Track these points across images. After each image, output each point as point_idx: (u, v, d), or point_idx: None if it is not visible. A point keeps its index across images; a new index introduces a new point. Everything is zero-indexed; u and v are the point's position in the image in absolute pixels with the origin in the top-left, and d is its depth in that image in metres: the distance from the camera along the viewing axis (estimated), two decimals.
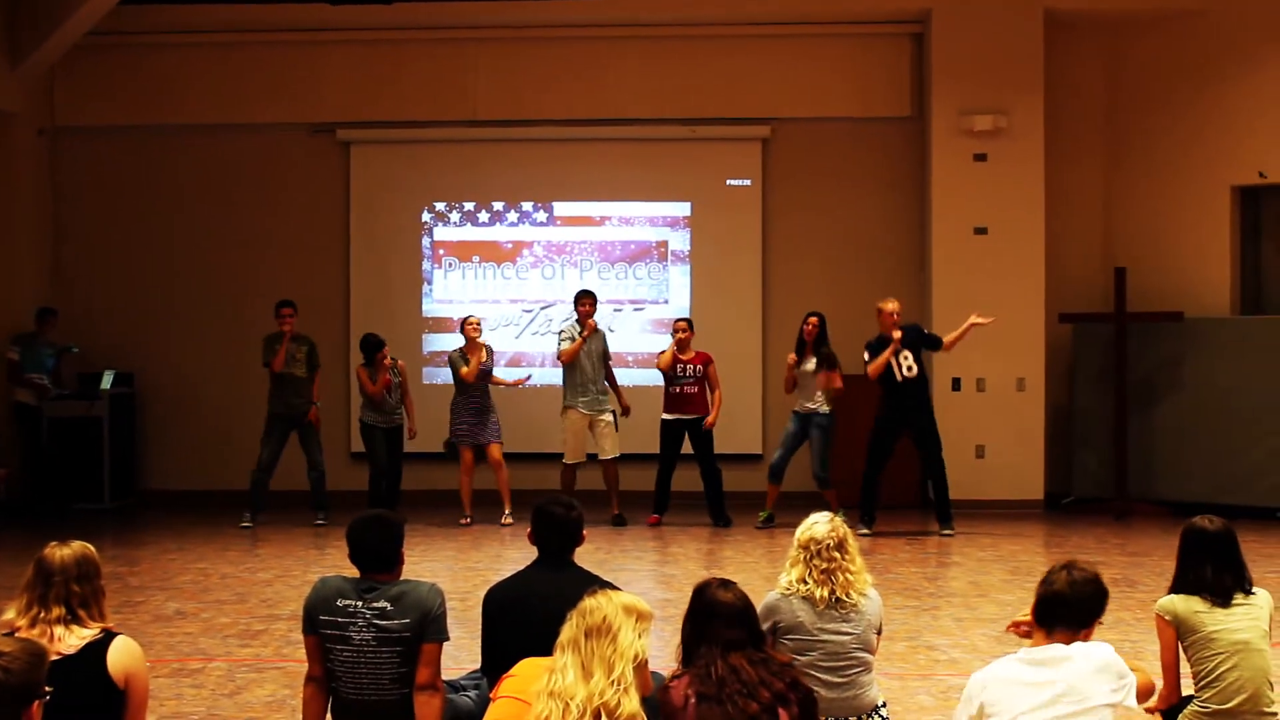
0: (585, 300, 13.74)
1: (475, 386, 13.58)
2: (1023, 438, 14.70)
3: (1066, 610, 4.76)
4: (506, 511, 13.51)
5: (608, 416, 13.63)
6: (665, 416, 13.52)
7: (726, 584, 4.72)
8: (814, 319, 13.30)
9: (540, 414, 14.69)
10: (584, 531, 5.93)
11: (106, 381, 14.97)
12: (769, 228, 15.57)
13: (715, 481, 13.51)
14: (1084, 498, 14.71)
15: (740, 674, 4.43)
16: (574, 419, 13.60)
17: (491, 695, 4.74)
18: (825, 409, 13.21)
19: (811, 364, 13.17)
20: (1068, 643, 4.70)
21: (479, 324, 13.85)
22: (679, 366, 13.44)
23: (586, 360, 13.58)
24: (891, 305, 12.97)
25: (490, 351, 13.86)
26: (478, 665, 6.01)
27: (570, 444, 13.65)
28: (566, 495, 6.15)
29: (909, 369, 12.84)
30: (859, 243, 15.46)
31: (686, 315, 14.26)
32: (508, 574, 6.07)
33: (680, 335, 13.50)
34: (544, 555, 5.86)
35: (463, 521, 13.46)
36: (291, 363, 13.61)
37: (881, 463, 12.99)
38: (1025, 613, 5.03)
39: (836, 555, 5.74)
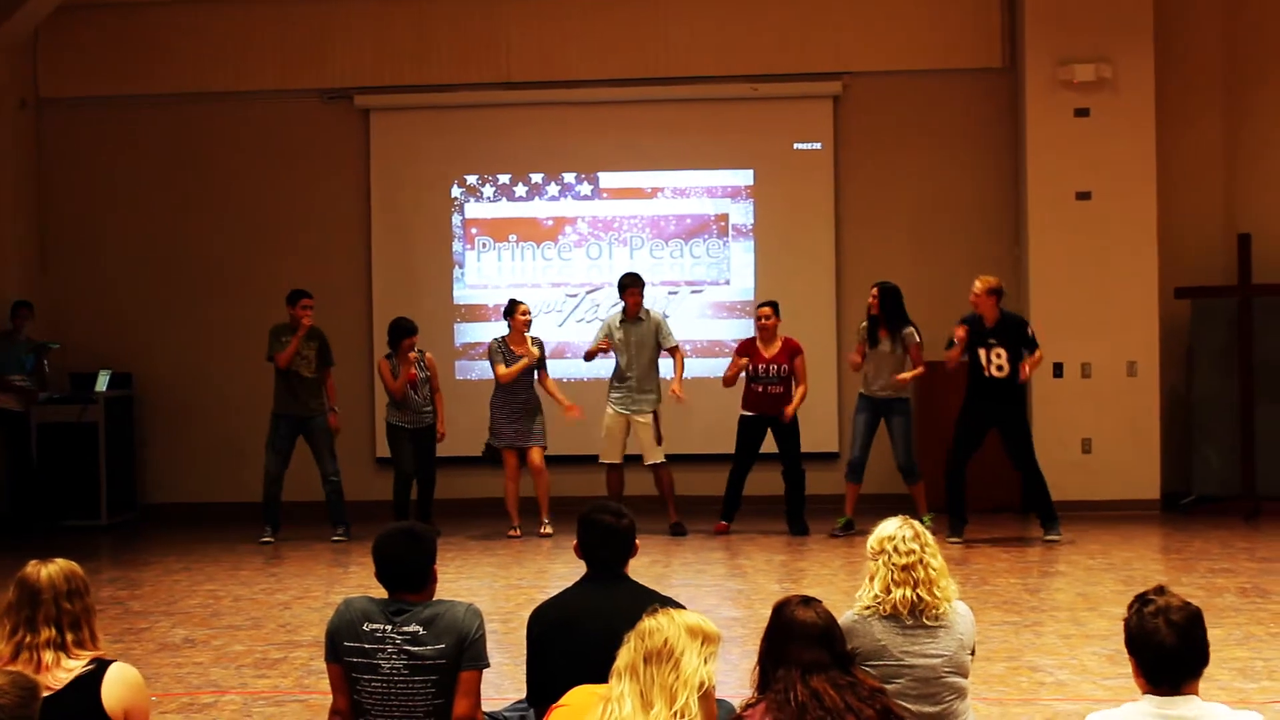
0: (632, 290, 13.66)
1: (520, 382, 13.58)
2: (1135, 430, 14.58)
3: (1180, 664, 4.59)
4: (545, 521, 13.52)
5: (646, 418, 13.59)
6: (744, 413, 13.47)
7: (808, 601, 4.69)
8: (875, 290, 13.19)
9: (590, 412, 14.58)
10: (637, 541, 5.90)
11: (102, 383, 15.06)
12: (842, 196, 15.51)
13: (798, 485, 13.47)
14: (1206, 496, 14.58)
15: (823, 700, 4.40)
16: (609, 416, 13.66)
17: None
18: (903, 394, 13.20)
19: (886, 344, 13.07)
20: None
21: (529, 313, 13.79)
22: (759, 367, 13.36)
23: (622, 353, 13.58)
24: (977, 285, 12.79)
25: (542, 347, 13.81)
26: (522, 695, 5.99)
27: (602, 442, 13.75)
28: (614, 501, 6.11)
29: (999, 367, 12.67)
30: (944, 212, 15.37)
31: (767, 300, 13.94)
32: (554, 591, 6.05)
33: (765, 323, 13.45)
34: (593, 569, 5.84)
35: (510, 534, 13.44)
36: (298, 360, 13.54)
37: (966, 457, 12.85)
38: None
39: (915, 548, 5.69)
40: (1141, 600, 4.55)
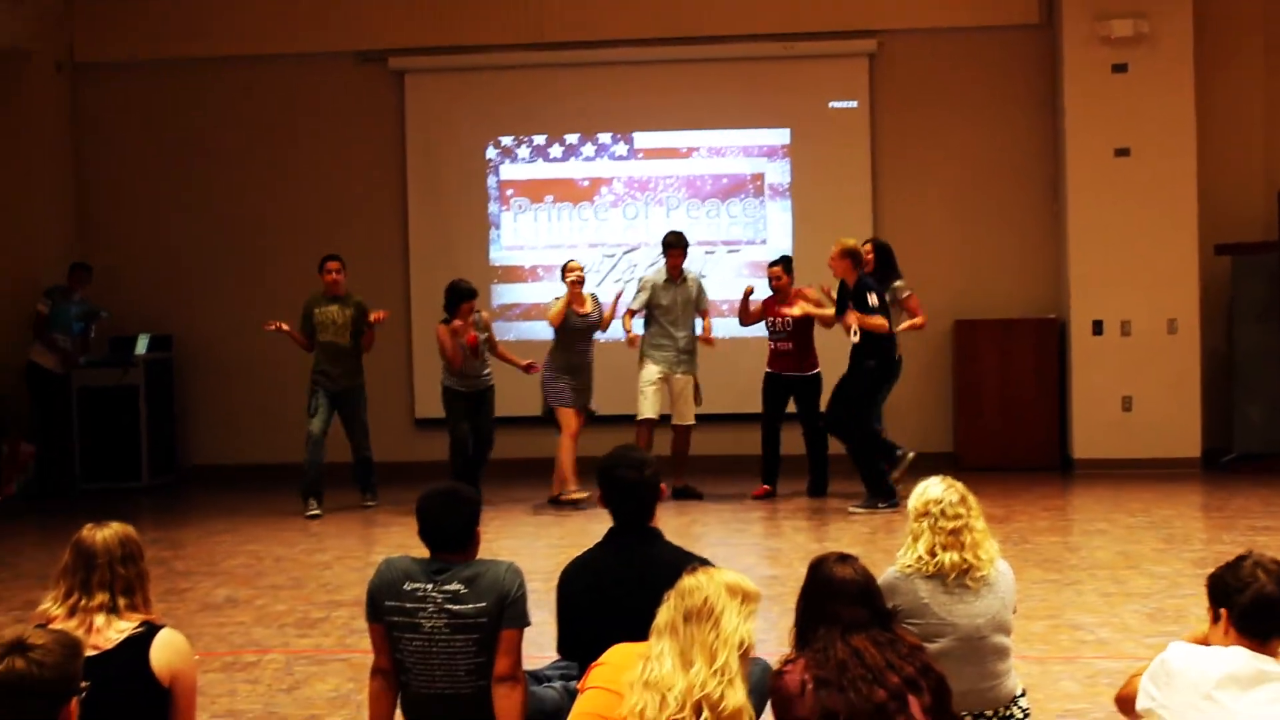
0: (677, 251, 13.43)
1: (581, 341, 13.20)
2: (1175, 387, 14.51)
3: (1269, 618, 4.55)
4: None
5: (688, 378, 13.43)
6: (766, 370, 13.46)
7: (845, 558, 4.69)
8: (868, 246, 13.06)
9: (628, 373, 14.48)
10: (663, 486, 5.87)
11: (141, 346, 15.15)
12: (879, 155, 15.44)
13: (814, 445, 13.32)
14: (1247, 454, 14.49)
15: (864, 657, 4.40)
16: (651, 371, 13.35)
17: (579, 686, 4.74)
18: (894, 356, 12.86)
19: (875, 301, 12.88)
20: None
21: (581, 269, 13.38)
22: (769, 321, 13.33)
23: (667, 313, 13.38)
24: (832, 249, 12.63)
25: (597, 301, 13.45)
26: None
27: (643, 397, 13.34)
28: (637, 454, 6.02)
29: (855, 332, 12.51)
30: (981, 170, 15.29)
31: (782, 254, 13.99)
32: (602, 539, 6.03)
33: (777, 284, 13.40)
34: (619, 524, 5.81)
35: (574, 495, 12.96)
36: (334, 329, 13.22)
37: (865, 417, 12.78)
38: (1198, 630, 4.84)
39: (961, 512, 5.68)
40: (1239, 557, 4.61)
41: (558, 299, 13.23)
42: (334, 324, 13.24)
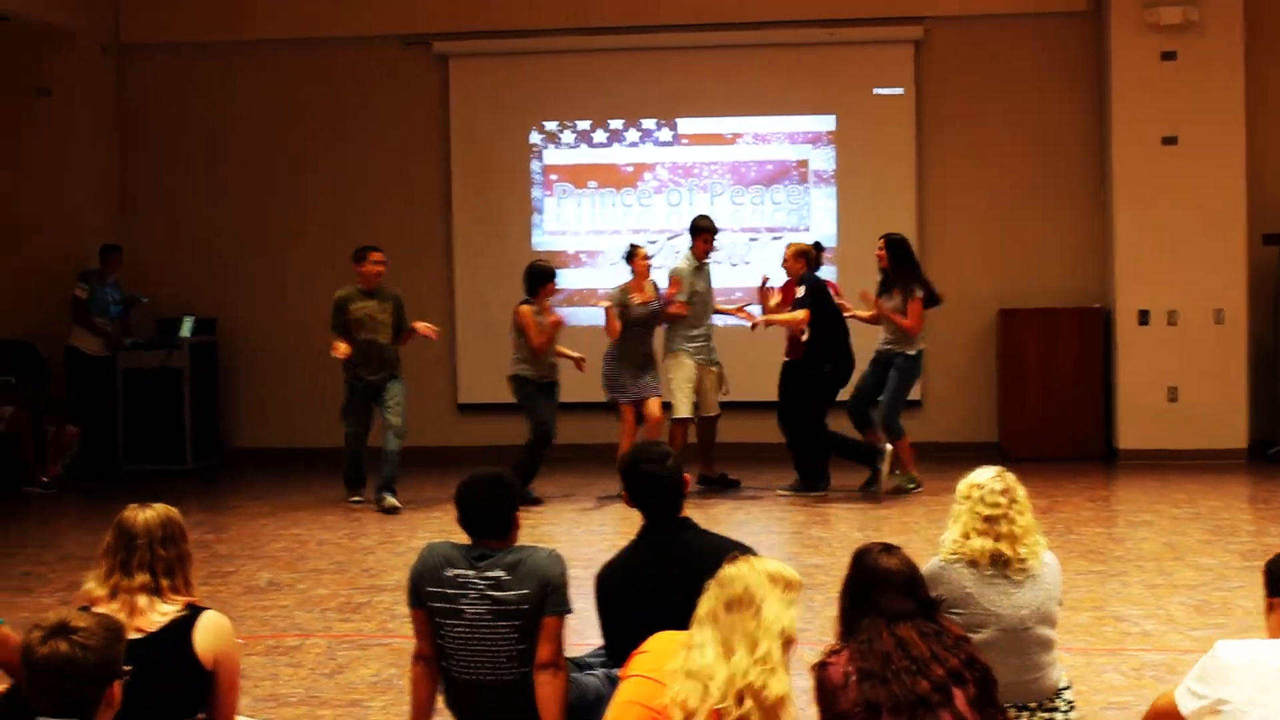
0: (708, 235, 13.16)
1: (640, 334, 12.87)
2: (1222, 378, 14.42)
3: None
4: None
5: (716, 368, 13.23)
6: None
7: (890, 549, 4.66)
8: (881, 243, 12.96)
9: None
10: (686, 476, 5.86)
11: (186, 328, 15.20)
12: (924, 142, 15.37)
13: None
14: None
15: (909, 648, 4.37)
16: (687, 368, 13.01)
17: (621, 674, 4.73)
18: (909, 350, 12.72)
19: (897, 298, 12.74)
20: None
21: (649, 257, 13.09)
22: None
23: (699, 302, 13.12)
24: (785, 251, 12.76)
25: (658, 289, 13.11)
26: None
27: (683, 393, 13.00)
28: (657, 447, 6.00)
29: (803, 331, 12.54)
30: (1027, 158, 15.21)
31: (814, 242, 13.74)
32: (633, 536, 6.02)
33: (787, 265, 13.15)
34: (649, 519, 5.78)
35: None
36: (373, 325, 12.47)
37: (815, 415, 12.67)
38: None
39: (1002, 501, 5.64)
40: None
41: (620, 288, 12.94)
42: (373, 320, 12.46)
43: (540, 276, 12.73)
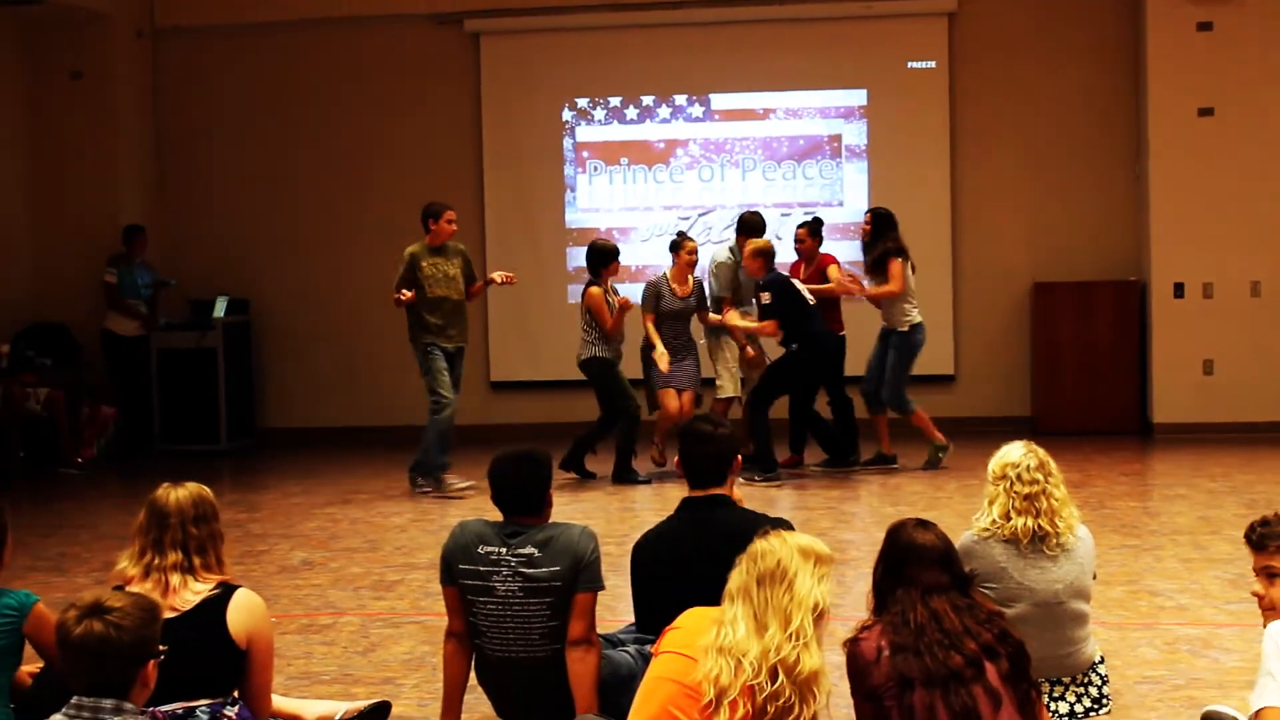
0: (743, 239, 12.89)
1: (676, 322, 12.68)
2: (1259, 350, 14.34)
3: None
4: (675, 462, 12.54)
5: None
6: None
7: (925, 524, 4.66)
8: (867, 217, 12.90)
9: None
10: (738, 457, 5.87)
11: (220, 309, 15.24)
12: (957, 116, 15.30)
13: (844, 410, 12.86)
14: None
15: (942, 621, 4.37)
16: (733, 349, 12.87)
17: (653, 650, 4.73)
18: (900, 326, 12.57)
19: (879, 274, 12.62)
20: None
21: (696, 251, 12.81)
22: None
23: (739, 289, 12.95)
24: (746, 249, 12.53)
25: (699, 285, 12.89)
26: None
27: (733, 374, 12.91)
28: (717, 418, 6.07)
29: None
30: (1062, 130, 15.11)
31: (813, 216, 13.63)
32: (667, 514, 6.04)
33: (799, 246, 13.02)
34: (693, 487, 5.80)
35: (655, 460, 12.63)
36: (445, 283, 12.11)
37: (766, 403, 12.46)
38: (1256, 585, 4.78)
39: (1039, 478, 5.65)
40: None
41: (660, 278, 12.78)
42: (446, 276, 12.11)
43: (604, 256, 12.53)
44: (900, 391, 12.65)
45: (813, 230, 13.06)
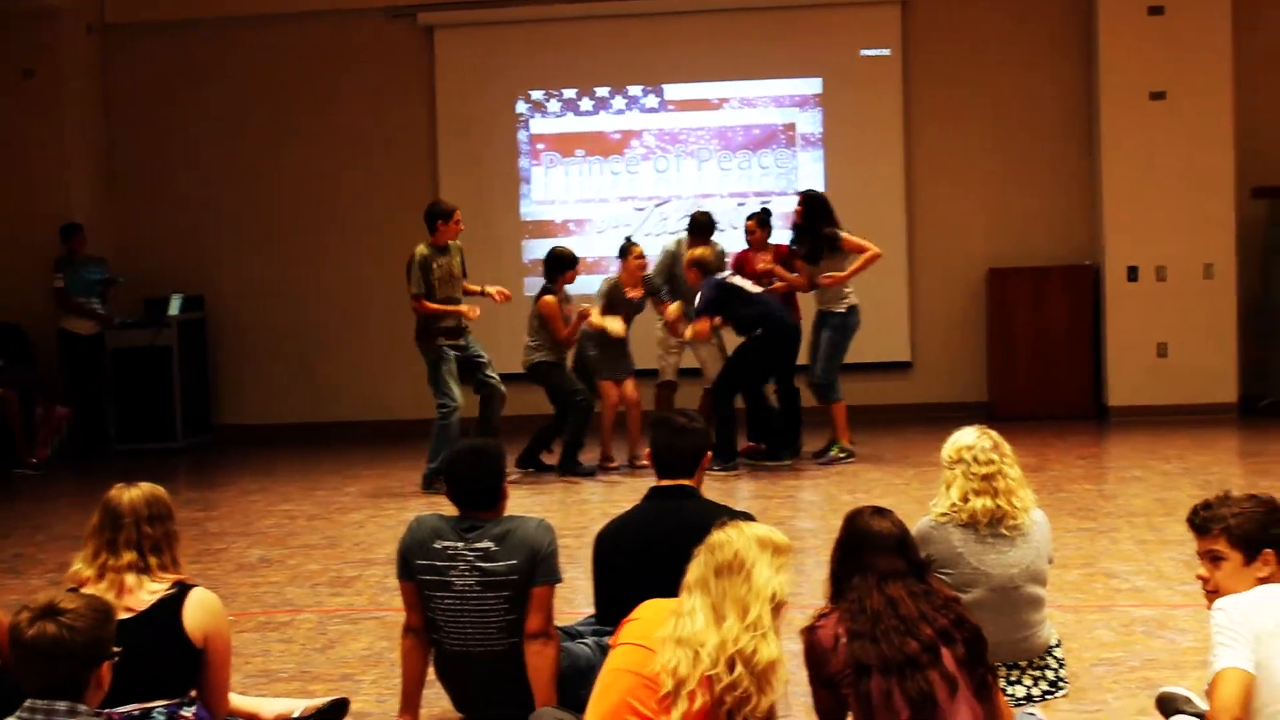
0: (698, 239, 12.88)
1: (629, 318, 12.68)
2: (1212, 333, 14.42)
3: None
4: (639, 454, 12.51)
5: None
6: None
7: (881, 511, 4.68)
8: (799, 198, 12.82)
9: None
10: (709, 451, 5.87)
11: (174, 306, 15.17)
12: (911, 103, 15.33)
13: (791, 401, 12.78)
14: None
15: (898, 607, 4.39)
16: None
17: (611, 642, 4.74)
18: (838, 308, 12.44)
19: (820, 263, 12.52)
20: None
21: (644, 256, 12.82)
22: (748, 276, 12.99)
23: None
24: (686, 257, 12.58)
25: (647, 284, 12.88)
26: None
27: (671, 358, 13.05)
28: (692, 412, 6.10)
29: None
30: (1016, 117, 15.17)
31: (762, 206, 13.64)
32: (625, 508, 6.04)
33: (750, 236, 13.00)
34: (661, 478, 5.80)
35: (609, 465, 12.61)
36: (453, 283, 11.92)
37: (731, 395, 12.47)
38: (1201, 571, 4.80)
39: (994, 458, 5.68)
40: (1266, 498, 4.68)
41: (610, 282, 12.77)
42: (452, 276, 11.91)
43: (563, 264, 12.44)
44: (833, 374, 12.46)
45: (761, 221, 13.02)
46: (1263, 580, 4.52)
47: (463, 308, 11.86)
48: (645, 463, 12.22)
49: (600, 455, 12.68)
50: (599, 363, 12.63)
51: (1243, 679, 4.21)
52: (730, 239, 13.84)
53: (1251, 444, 13.03)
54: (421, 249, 11.88)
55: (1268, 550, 4.56)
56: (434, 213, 11.98)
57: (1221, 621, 4.31)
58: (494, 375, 12.07)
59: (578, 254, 12.98)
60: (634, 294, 12.72)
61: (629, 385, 12.75)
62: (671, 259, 13.06)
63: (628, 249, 12.79)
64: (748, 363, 12.33)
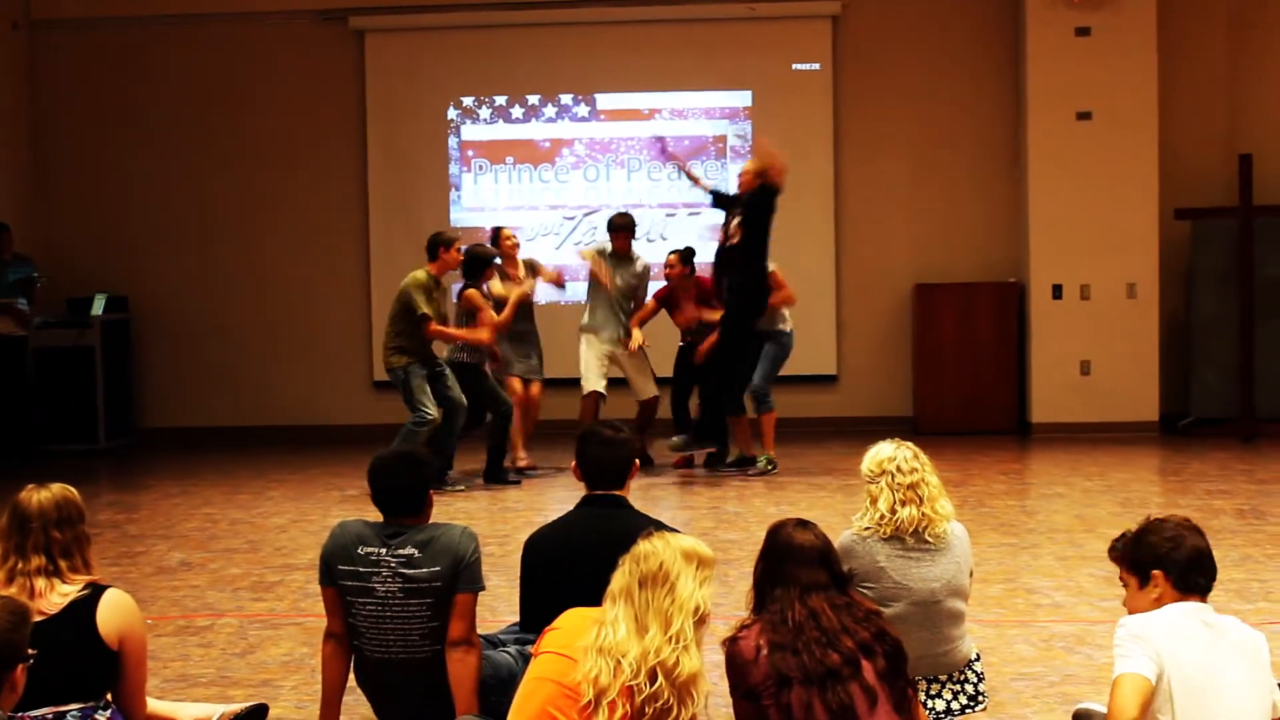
0: (621, 234, 13.02)
1: (521, 311, 12.66)
2: (1134, 352, 14.56)
3: (1212, 564, 4.62)
4: (525, 454, 12.73)
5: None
6: (681, 344, 13.17)
7: (804, 524, 4.69)
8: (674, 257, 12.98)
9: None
10: (636, 461, 5.86)
11: (98, 306, 15.01)
12: (841, 119, 15.41)
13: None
14: (1204, 418, 14.55)
15: (820, 619, 4.40)
16: (597, 348, 12.92)
17: (533, 651, 4.72)
18: (784, 327, 12.62)
19: None
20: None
21: (513, 237, 13.02)
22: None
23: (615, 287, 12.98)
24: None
25: (535, 271, 12.99)
26: (518, 618, 5.99)
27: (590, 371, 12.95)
28: (618, 424, 6.05)
29: None
30: (944, 133, 15.27)
31: (686, 245, 13.54)
32: (551, 516, 6.02)
33: (669, 271, 12.96)
34: (591, 487, 5.79)
35: (521, 463, 12.64)
36: (439, 316, 11.95)
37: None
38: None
39: (917, 466, 5.71)
40: (1151, 522, 4.71)
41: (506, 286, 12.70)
42: (440, 309, 12.00)
43: (482, 263, 12.38)
44: (767, 385, 12.58)
45: (684, 258, 12.99)
46: (1158, 601, 4.58)
47: (481, 334, 11.99)
48: (524, 464, 12.60)
49: (511, 456, 12.64)
50: (509, 356, 12.63)
51: (1140, 684, 4.33)
52: (660, 250, 13.85)
53: (1172, 462, 13.14)
54: (421, 275, 11.88)
55: (1155, 571, 4.62)
56: (438, 240, 12.04)
57: (1121, 635, 4.46)
58: (454, 386, 11.96)
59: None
60: (515, 276, 12.73)
61: (535, 388, 12.81)
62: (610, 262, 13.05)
63: (496, 236, 12.96)
64: (740, 348, 12.36)
